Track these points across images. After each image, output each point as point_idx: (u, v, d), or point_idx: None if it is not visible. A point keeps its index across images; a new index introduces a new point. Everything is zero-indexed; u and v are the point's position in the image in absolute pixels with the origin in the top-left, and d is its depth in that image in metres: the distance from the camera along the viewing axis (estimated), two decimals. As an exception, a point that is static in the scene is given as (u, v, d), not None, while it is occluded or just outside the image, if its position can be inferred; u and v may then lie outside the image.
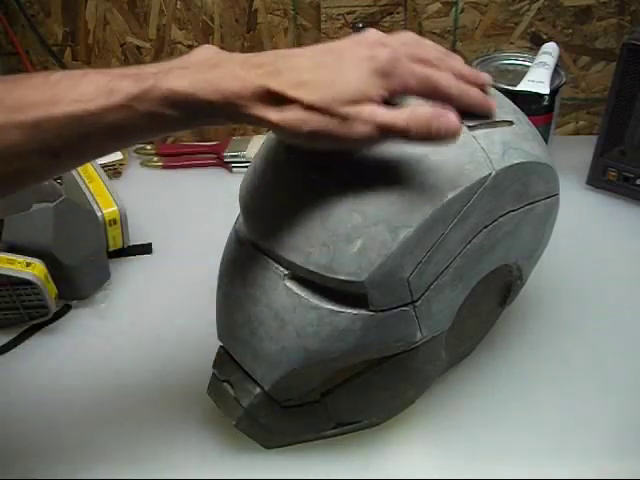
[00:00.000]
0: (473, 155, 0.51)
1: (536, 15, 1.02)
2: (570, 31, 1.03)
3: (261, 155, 0.57)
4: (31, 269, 0.67)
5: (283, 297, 0.52)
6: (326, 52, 0.46)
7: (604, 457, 0.58)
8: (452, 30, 1.04)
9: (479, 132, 0.52)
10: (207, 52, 0.47)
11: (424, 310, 0.52)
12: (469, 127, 0.52)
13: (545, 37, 1.03)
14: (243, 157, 0.95)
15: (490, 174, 0.51)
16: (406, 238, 0.48)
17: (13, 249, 0.69)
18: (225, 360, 0.58)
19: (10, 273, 0.67)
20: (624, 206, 0.87)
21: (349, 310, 0.51)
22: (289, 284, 0.52)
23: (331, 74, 0.44)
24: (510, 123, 0.55)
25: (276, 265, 0.53)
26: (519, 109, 0.59)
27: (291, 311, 0.52)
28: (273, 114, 0.44)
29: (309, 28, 1.05)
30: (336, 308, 0.51)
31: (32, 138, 0.43)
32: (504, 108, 0.56)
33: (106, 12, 1.06)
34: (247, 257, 0.55)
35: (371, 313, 0.51)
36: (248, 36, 1.06)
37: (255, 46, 1.07)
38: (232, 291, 0.56)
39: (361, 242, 0.49)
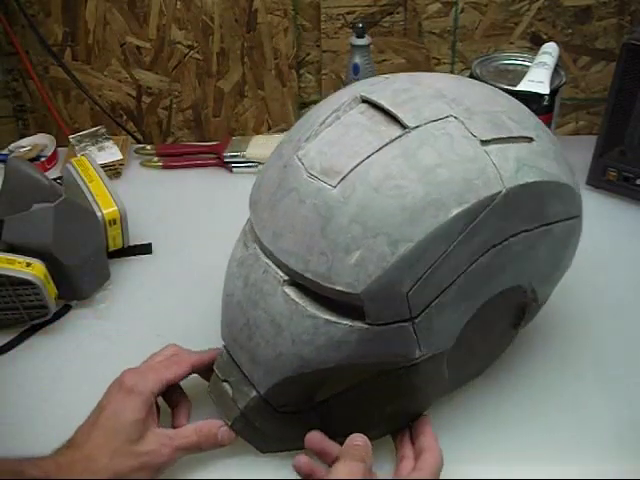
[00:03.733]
0: (483, 170, 0.48)
1: (536, 15, 1.02)
2: (570, 31, 1.03)
3: (270, 159, 0.57)
4: (31, 269, 0.67)
5: (281, 303, 0.52)
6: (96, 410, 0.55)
7: (604, 457, 0.59)
8: (452, 30, 1.04)
9: (492, 147, 0.50)
10: None
11: (424, 327, 0.50)
12: (482, 141, 0.49)
13: (545, 37, 1.03)
14: (243, 157, 0.95)
15: (500, 192, 0.48)
16: (406, 252, 0.47)
17: (13, 249, 0.69)
18: (227, 360, 0.58)
19: (10, 273, 0.67)
20: (624, 206, 0.87)
21: (345, 321, 0.50)
22: (287, 290, 0.52)
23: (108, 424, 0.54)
24: (529, 140, 0.52)
25: (276, 270, 0.52)
26: (544, 125, 0.56)
27: (288, 318, 0.51)
28: None
29: (309, 28, 1.05)
30: (332, 318, 0.50)
31: None
32: (524, 123, 0.53)
33: (106, 12, 1.06)
34: (251, 259, 0.55)
35: (367, 326, 0.50)
36: (248, 36, 1.06)
37: (255, 46, 1.07)
38: (235, 292, 0.56)
39: (359, 253, 0.48)
